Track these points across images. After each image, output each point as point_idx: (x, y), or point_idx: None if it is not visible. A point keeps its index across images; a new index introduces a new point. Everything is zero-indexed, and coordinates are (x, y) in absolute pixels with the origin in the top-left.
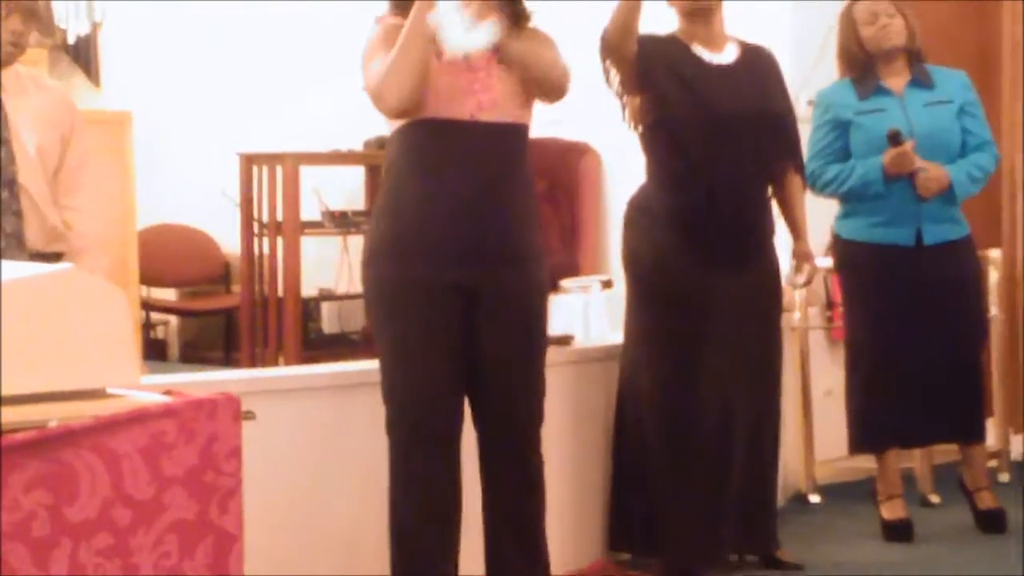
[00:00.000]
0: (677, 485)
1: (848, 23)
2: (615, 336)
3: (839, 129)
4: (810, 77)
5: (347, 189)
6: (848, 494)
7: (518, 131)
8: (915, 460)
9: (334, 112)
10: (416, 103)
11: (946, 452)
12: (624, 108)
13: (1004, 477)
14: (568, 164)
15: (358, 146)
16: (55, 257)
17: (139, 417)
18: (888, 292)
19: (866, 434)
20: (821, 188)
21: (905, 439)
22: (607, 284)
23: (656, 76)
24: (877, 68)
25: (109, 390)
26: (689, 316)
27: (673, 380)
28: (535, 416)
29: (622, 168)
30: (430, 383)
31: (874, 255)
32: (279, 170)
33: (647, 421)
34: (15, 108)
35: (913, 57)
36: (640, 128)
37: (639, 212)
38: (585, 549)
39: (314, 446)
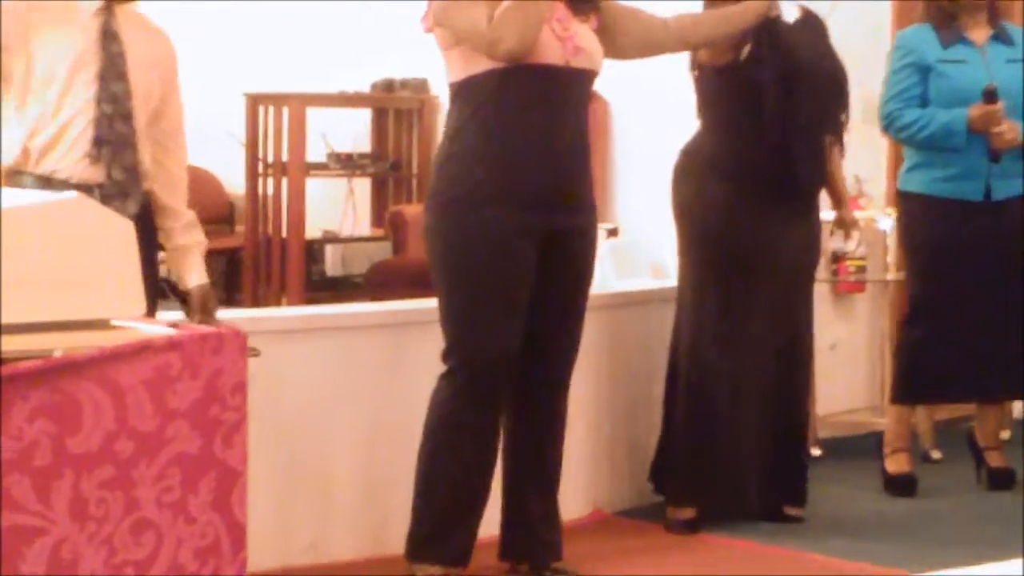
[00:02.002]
0: (729, 433)
1: None
2: (620, 284)
3: (920, 74)
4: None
5: (353, 131)
6: (849, 448)
7: (593, 79)
8: (917, 416)
9: (341, 53)
10: (533, 46)
11: (948, 408)
12: (704, 52)
13: (1005, 434)
14: None
15: (365, 88)
16: (148, 195)
17: (144, 349)
18: (955, 246)
19: (918, 386)
20: (897, 131)
21: (958, 394)
22: (613, 232)
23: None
24: (961, 19)
25: (114, 322)
26: (752, 266)
27: (734, 330)
28: (573, 354)
29: (631, 117)
30: (504, 335)
31: (943, 209)
32: (285, 111)
33: (704, 370)
34: (129, 43)
35: (995, 12)
36: (705, 71)
37: (698, 161)
38: (587, 497)
39: (317, 387)
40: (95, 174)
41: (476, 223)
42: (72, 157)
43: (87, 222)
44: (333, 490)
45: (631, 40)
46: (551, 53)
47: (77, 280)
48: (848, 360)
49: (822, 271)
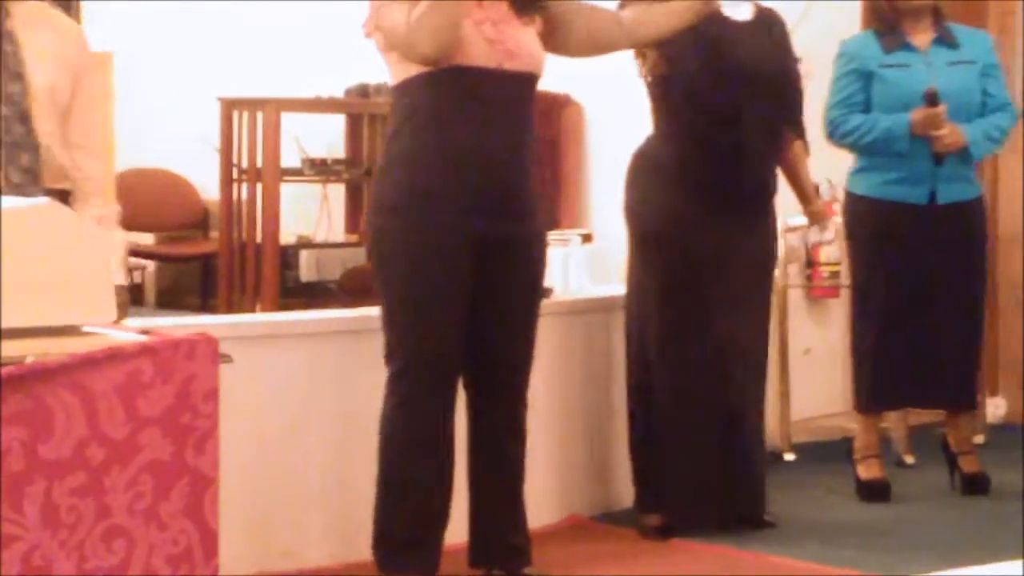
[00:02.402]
0: (679, 440)
1: None
2: (595, 289)
3: (862, 80)
4: (793, 34)
5: (328, 136)
6: (823, 453)
7: (533, 82)
8: (891, 421)
9: (316, 58)
10: (452, 49)
11: (922, 413)
12: (642, 62)
13: (979, 439)
14: (550, 116)
15: (339, 93)
16: (62, 195)
17: (115, 355)
18: (900, 250)
19: (876, 395)
20: (840, 137)
21: (912, 400)
22: (587, 238)
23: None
24: (903, 24)
25: (85, 328)
26: (698, 272)
27: (679, 336)
28: (527, 363)
29: (605, 121)
30: (443, 335)
31: (887, 212)
32: (260, 116)
33: (653, 376)
34: (28, 42)
35: (938, 15)
36: (651, 79)
37: (646, 165)
38: (561, 502)
39: (290, 393)
40: None
41: (410, 228)
42: None
43: (58, 228)
44: (307, 496)
45: (581, 39)
46: (480, 56)
47: (48, 286)
48: (822, 365)
49: (796, 276)
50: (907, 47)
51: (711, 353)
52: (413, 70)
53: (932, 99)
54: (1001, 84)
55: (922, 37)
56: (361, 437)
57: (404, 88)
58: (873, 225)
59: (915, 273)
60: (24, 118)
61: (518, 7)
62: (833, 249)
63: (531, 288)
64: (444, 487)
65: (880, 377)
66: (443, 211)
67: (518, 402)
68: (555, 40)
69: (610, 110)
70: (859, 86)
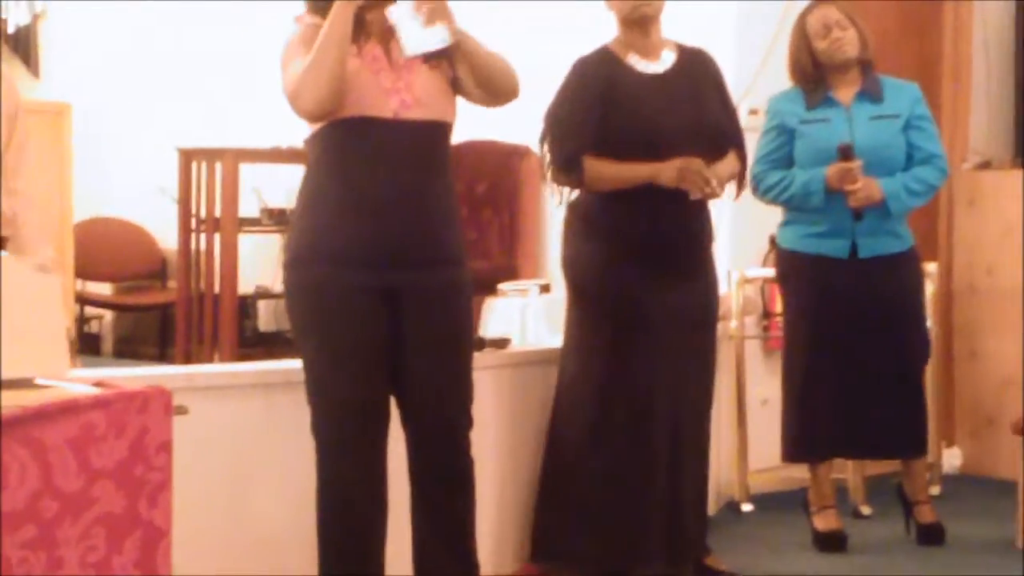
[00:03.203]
0: (606, 491)
1: (800, 35)
2: (553, 340)
3: (784, 135)
4: (753, 84)
5: (286, 186)
6: (782, 504)
7: (442, 129)
8: (847, 471)
9: (274, 108)
10: (334, 104)
11: (878, 464)
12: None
13: (935, 490)
14: (508, 167)
15: (298, 143)
16: (1, 242)
17: (68, 408)
18: (823, 303)
19: (798, 444)
20: (763, 193)
21: (838, 451)
22: (545, 288)
23: (591, 100)
24: (828, 79)
25: (38, 380)
26: (627, 325)
27: (609, 388)
28: (462, 418)
29: None
30: (353, 387)
31: (810, 265)
32: (218, 166)
33: (581, 425)
34: None
35: (865, 67)
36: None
37: (579, 219)
38: (516, 552)
39: (246, 443)
40: None
41: (315, 280)
42: None
43: (10, 280)
44: (265, 548)
45: (475, 84)
46: (375, 106)
47: (2, 339)
48: (779, 416)
49: (753, 327)
50: (829, 102)
51: (643, 404)
52: (313, 125)
53: (846, 153)
54: (930, 136)
55: (846, 91)
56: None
57: (312, 140)
58: (797, 278)
59: (841, 325)
60: None
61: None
62: None
63: (456, 338)
64: (376, 549)
65: (801, 427)
66: (343, 263)
67: (456, 454)
68: (466, 86)
69: None
70: (781, 141)
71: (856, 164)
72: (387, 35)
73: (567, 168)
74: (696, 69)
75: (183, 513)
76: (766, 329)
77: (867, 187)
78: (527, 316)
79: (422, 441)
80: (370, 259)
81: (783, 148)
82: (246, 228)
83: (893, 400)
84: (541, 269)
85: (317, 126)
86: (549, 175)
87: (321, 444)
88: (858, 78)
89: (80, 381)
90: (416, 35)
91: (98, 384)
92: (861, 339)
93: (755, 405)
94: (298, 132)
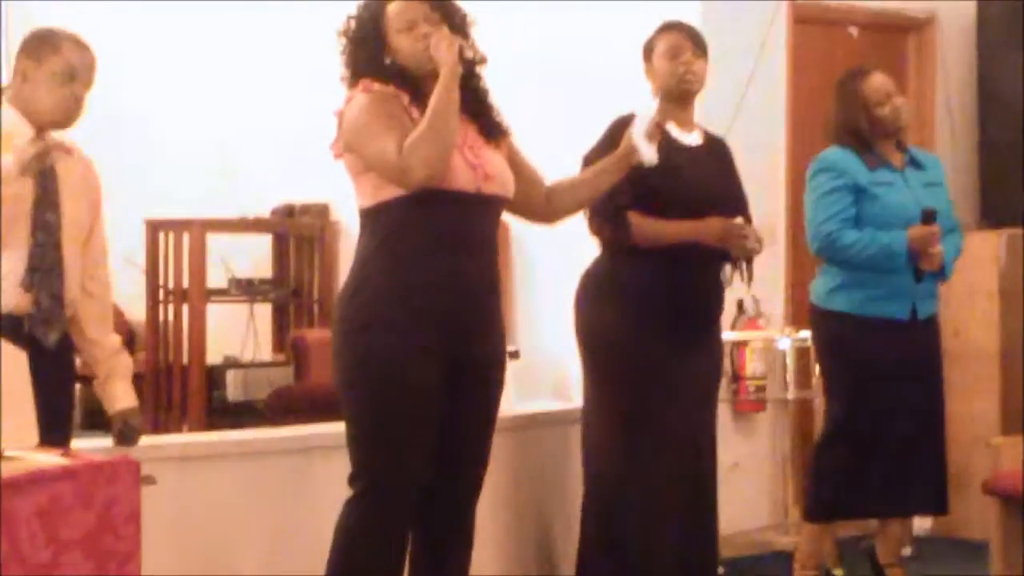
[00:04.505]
0: (638, 555)
1: (855, 99)
2: (523, 406)
3: (853, 195)
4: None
5: (254, 256)
6: (752, 568)
7: (505, 205)
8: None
9: (241, 179)
10: (444, 172)
11: (849, 525)
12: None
13: (907, 551)
14: None
15: (265, 213)
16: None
17: (36, 479)
18: (883, 366)
19: (840, 503)
20: (837, 251)
21: (876, 510)
22: (514, 355)
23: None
24: (877, 143)
25: (6, 452)
26: (651, 388)
27: (638, 456)
28: (480, 480)
29: (529, 237)
30: (413, 461)
31: (871, 328)
32: (185, 236)
33: (612, 490)
34: (62, 174)
35: (902, 138)
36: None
37: (595, 285)
38: None
39: (217, 513)
40: (26, 302)
41: (382, 349)
42: (8, 285)
43: None
44: None
45: (519, 198)
46: (462, 179)
47: None
48: (750, 479)
49: (722, 390)
50: (888, 166)
51: (670, 471)
52: (389, 193)
53: (930, 217)
54: (951, 206)
55: (896, 157)
56: (293, 558)
57: (377, 211)
58: (857, 341)
59: (894, 388)
60: (57, 246)
61: (487, 132)
62: (759, 364)
63: (495, 403)
64: None
65: (846, 488)
66: (414, 335)
67: (470, 514)
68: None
69: (536, 229)
70: (850, 200)
71: (936, 228)
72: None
73: (615, 220)
74: (720, 151)
75: None
76: (735, 392)
77: (941, 252)
78: None
79: (446, 503)
80: (443, 330)
81: (853, 207)
82: (214, 298)
83: (931, 457)
84: (509, 336)
85: (390, 196)
86: (592, 226)
87: (359, 506)
88: (894, 145)
89: (48, 451)
90: (642, 145)
91: (66, 455)
92: (917, 398)
93: (725, 469)
94: (263, 202)
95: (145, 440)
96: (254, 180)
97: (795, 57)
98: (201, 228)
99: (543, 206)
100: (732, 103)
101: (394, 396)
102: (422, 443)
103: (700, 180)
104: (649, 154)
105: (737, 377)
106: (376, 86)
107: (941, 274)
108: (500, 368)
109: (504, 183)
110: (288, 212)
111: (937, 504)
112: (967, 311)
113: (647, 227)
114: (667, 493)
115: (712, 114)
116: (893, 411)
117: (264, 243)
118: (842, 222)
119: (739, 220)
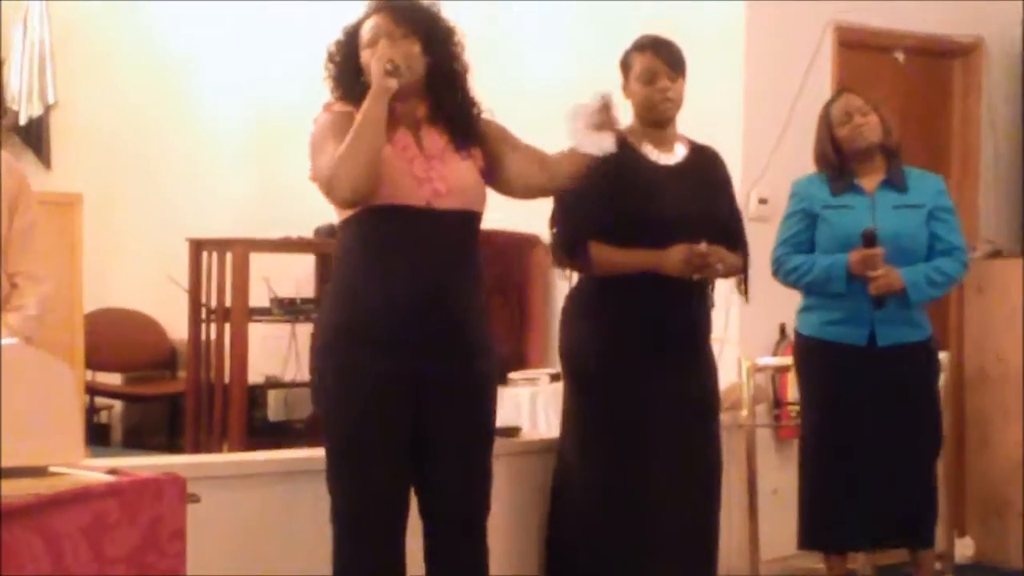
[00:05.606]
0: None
1: (823, 123)
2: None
3: (808, 220)
4: (762, 176)
5: (296, 276)
6: None
7: (472, 219)
8: (858, 561)
9: (285, 199)
10: (370, 191)
11: (890, 554)
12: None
13: None
14: (518, 256)
15: (308, 234)
16: None
17: (82, 496)
18: (839, 391)
19: (813, 532)
20: (784, 276)
21: (852, 541)
22: (556, 377)
23: (602, 186)
24: (853, 166)
25: (52, 468)
26: (627, 413)
27: (612, 476)
28: (481, 507)
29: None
30: (379, 476)
31: (827, 353)
32: (228, 256)
33: (579, 518)
34: None
35: (890, 154)
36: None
37: (576, 307)
38: None
39: (258, 533)
40: None
41: (341, 368)
42: None
43: (26, 368)
44: None
45: (514, 180)
46: (408, 195)
47: (16, 427)
48: (790, 505)
49: (764, 416)
50: (854, 189)
51: (647, 492)
52: (344, 212)
53: (870, 240)
54: (953, 228)
55: (871, 179)
56: None
57: (342, 227)
58: (814, 364)
59: (856, 414)
60: None
61: (456, 143)
62: None
63: (481, 431)
64: None
65: (816, 515)
66: (374, 351)
67: (474, 544)
68: (495, 178)
69: None
70: (803, 226)
71: (878, 251)
72: (418, 124)
73: (571, 252)
74: (706, 165)
75: None
76: (777, 418)
77: (888, 275)
78: (537, 405)
79: (441, 533)
80: (399, 346)
81: (805, 232)
82: (256, 318)
83: (904, 490)
84: (550, 358)
85: (348, 213)
86: (555, 260)
87: (341, 532)
88: (882, 166)
89: (94, 469)
90: (584, 136)
91: (112, 472)
92: (875, 428)
93: (766, 495)
94: (306, 223)
95: (186, 459)
96: (297, 200)
97: (840, 81)
98: (244, 247)
99: (546, 181)
100: (778, 126)
101: (353, 416)
102: (387, 463)
103: (674, 201)
104: (599, 144)
105: (779, 403)
106: (337, 106)
107: (905, 300)
108: (482, 388)
109: (464, 196)
110: (331, 232)
111: (909, 539)
112: (1010, 336)
113: (605, 259)
114: (641, 524)
115: (756, 138)
116: (854, 440)
117: (307, 263)
118: (792, 246)
119: (701, 245)
